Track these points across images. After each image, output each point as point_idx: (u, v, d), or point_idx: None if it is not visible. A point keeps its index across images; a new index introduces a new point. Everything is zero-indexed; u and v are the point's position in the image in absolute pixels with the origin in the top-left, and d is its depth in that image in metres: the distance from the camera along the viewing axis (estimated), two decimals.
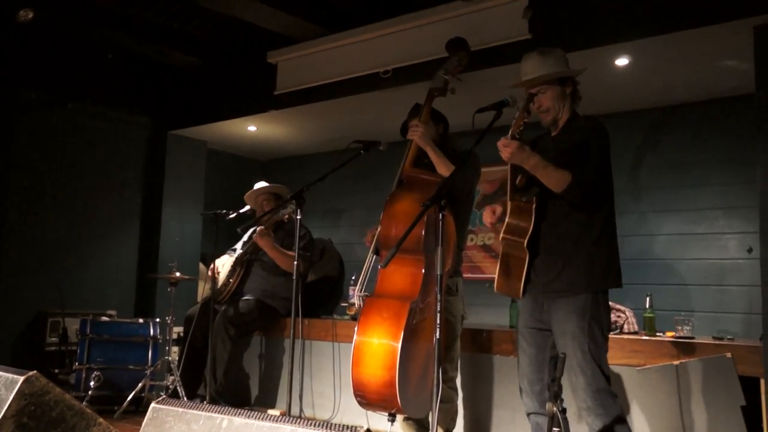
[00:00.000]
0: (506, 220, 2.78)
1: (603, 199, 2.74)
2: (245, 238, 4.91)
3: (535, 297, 2.81)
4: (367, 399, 2.99)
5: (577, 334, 2.63)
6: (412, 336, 2.95)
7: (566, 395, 2.85)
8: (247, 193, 4.94)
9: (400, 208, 3.18)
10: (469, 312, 3.62)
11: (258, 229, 4.72)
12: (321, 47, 5.04)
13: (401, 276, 3.10)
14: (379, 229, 3.23)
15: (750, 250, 4.36)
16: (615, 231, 2.78)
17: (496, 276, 2.87)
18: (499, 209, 2.94)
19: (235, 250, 4.98)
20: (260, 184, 5.03)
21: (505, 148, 2.64)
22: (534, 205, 2.73)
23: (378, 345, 2.93)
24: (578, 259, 2.69)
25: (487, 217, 2.98)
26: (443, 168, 3.32)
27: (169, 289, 4.78)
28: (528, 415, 2.85)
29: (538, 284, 2.77)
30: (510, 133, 2.69)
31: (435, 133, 3.51)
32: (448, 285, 3.38)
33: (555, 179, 2.63)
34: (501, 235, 2.80)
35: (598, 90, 4.28)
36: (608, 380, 2.63)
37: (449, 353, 3.39)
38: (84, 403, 3.91)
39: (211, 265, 4.72)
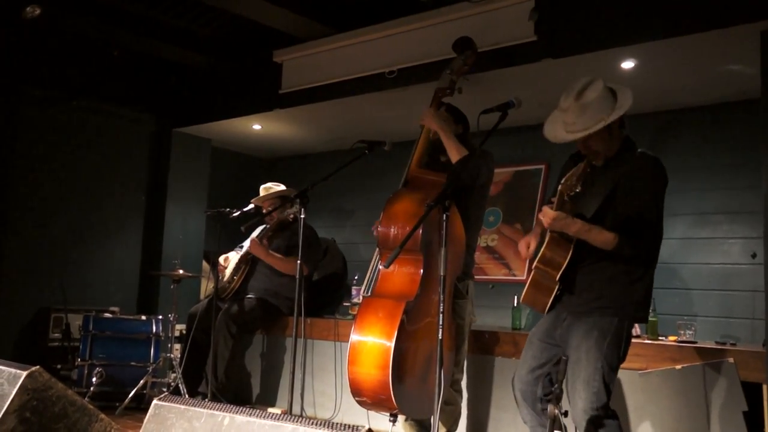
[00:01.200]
0: (542, 250, 2.69)
1: (650, 248, 2.69)
2: (253, 235, 4.92)
3: (560, 313, 2.77)
4: (364, 398, 2.99)
5: (593, 349, 2.59)
6: (409, 336, 2.95)
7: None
8: (253, 199, 4.96)
9: (400, 208, 3.18)
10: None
11: (250, 239, 4.75)
12: (327, 47, 5.04)
13: (399, 276, 3.10)
14: (378, 228, 3.22)
15: (754, 255, 4.34)
16: (654, 271, 2.73)
17: (524, 289, 2.82)
18: (534, 243, 2.83)
19: (242, 247, 4.99)
20: (266, 186, 5.04)
21: (545, 218, 2.61)
22: (573, 243, 2.64)
23: (372, 344, 2.93)
24: (615, 288, 2.65)
25: (523, 248, 2.91)
26: (454, 151, 3.30)
27: (171, 287, 4.79)
28: (525, 422, 2.85)
29: (568, 303, 2.73)
30: (559, 190, 2.63)
31: (454, 129, 3.50)
32: (458, 288, 3.36)
33: (600, 242, 2.59)
34: (535, 263, 2.72)
35: None
36: (609, 397, 2.60)
37: (456, 356, 3.38)
38: (86, 399, 3.92)
39: (217, 262, 4.74)
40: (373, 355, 2.91)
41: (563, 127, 2.73)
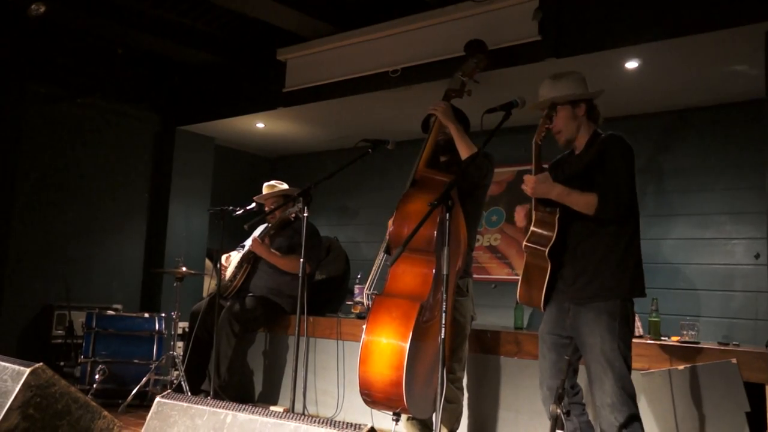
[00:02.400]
0: (530, 229, 2.82)
1: (630, 212, 2.80)
2: (255, 234, 4.93)
3: (561, 304, 2.84)
4: (373, 398, 2.98)
5: (606, 333, 2.68)
6: (420, 336, 2.95)
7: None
8: (256, 197, 4.96)
9: (413, 208, 3.18)
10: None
11: (252, 238, 4.75)
12: (330, 45, 5.04)
13: (412, 276, 3.10)
14: (391, 228, 3.23)
15: (757, 256, 4.34)
16: (639, 243, 2.83)
17: (519, 285, 2.92)
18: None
19: (243, 246, 5.00)
20: (270, 184, 5.04)
21: (526, 185, 2.74)
22: (557, 216, 2.76)
23: (386, 344, 2.92)
24: (607, 269, 2.74)
25: (519, 216, 3.00)
26: (464, 147, 3.31)
27: (174, 285, 4.79)
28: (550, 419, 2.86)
29: (566, 291, 2.81)
30: (534, 139, 2.79)
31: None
32: (458, 285, 3.37)
33: (583, 204, 2.71)
34: (524, 243, 2.86)
35: (607, 93, 4.27)
36: (630, 372, 2.70)
37: (457, 353, 3.38)
38: (89, 396, 3.93)
39: (219, 260, 4.74)
40: (387, 355, 2.90)
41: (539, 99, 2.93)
